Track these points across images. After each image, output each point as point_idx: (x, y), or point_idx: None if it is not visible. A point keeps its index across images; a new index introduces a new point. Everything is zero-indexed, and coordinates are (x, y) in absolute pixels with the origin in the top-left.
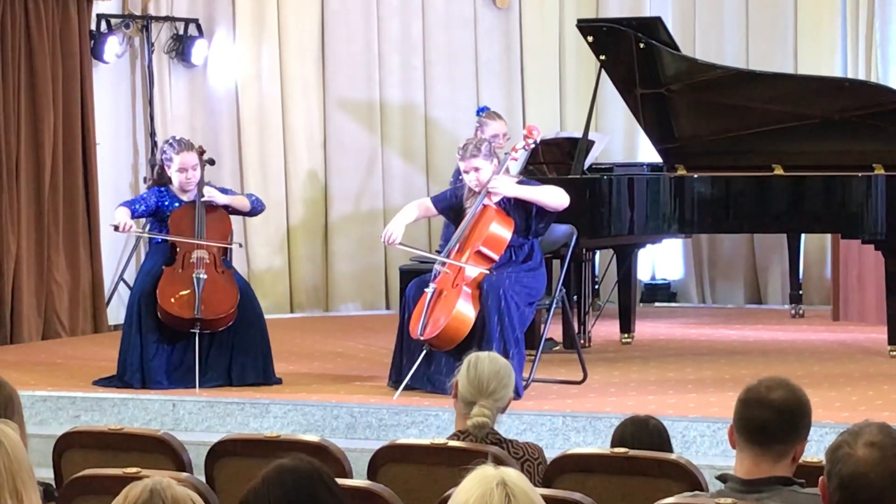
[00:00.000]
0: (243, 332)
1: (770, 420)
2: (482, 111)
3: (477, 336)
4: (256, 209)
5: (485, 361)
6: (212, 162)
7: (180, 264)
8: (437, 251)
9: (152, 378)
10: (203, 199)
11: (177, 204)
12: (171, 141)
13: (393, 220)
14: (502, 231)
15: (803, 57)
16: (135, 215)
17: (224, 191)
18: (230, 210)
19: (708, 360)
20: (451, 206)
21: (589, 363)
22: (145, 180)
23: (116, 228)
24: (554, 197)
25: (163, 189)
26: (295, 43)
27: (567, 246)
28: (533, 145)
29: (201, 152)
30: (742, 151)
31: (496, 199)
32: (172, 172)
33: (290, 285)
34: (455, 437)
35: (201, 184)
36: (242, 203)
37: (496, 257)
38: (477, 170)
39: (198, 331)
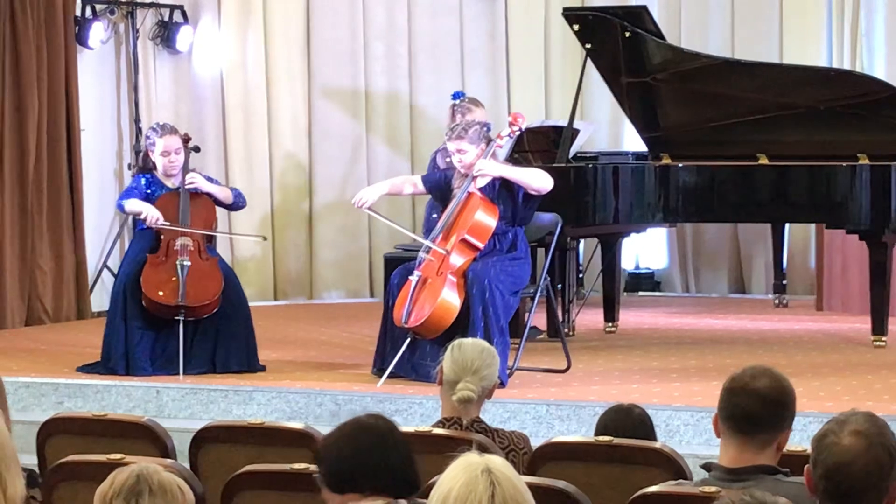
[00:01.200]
0: (227, 319)
1: (754, 408)
2: (459, 96)
3: (461, 324)
4: (238, 203)
5: (468, 343)
6: (197, 149)
7: (164, 252)
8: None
9: (137, 364)
10: (187, 186)
11: (162, 191)
12: (154, 126)
13: (369, 187)
14: (487, 219)
15: (788, 46)
16: None
17: (209, 179)
18: (213, 199)
19: (692, 350)
20: (439, 187)
21: (573, 352)
22: (129, 167)
23: (144, 221)
24: (538, 179)
25: (148, 176)
26: (280, 30)
27: (552, 234)
28: (518, 132)
29: (186, 139)
30: (727, 141)
31: (482, 183)
32: (156, 156)
33: (275, 273)
34: (441, 424)
35: (185, 170)
36: (225, 194)
37: (481, 246)
38: (462, 152)
39: (182, 318)
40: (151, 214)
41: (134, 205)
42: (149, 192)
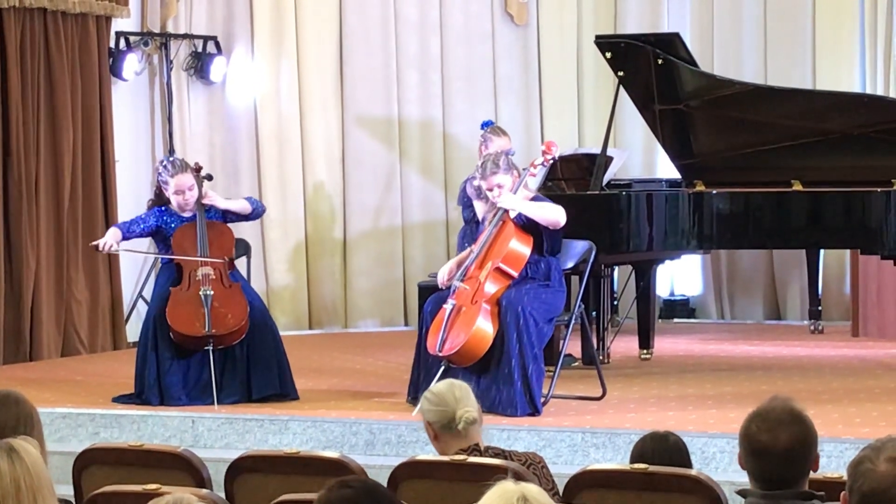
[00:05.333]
0: (256, 344)
1: (783, 472)
2: (487, 125)
3: (496, 353)
4: (257, 210)
5: (437, 386)
6: (209, 177)
7: (186, 283)
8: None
9: (170, 394)
10: (203, 201)
11: (179, 222)
12: (165, 163)
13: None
14: (521, 248)
15: (822, 73)
16: (130, 236)
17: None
18: (231, 215)
19: (727, 376)
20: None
21: (608, 379)
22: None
23: (97, 248)
24: (551, 214)
25: (163, 208)
26: (313, 60)
27: (586, 262)
28: (552, 161)
29: (198, 169)
30: (761, 167)
31: (514, 213)
32: (170, 195)
33: (309, 302)
34: (459, 454)
35: (200, 201)
36: (242, 206)
37: (515, 274)
38: (500, 186)
39: (211, 347)
40: (104, 244)
41: (108, 233)
42: (161, 224)
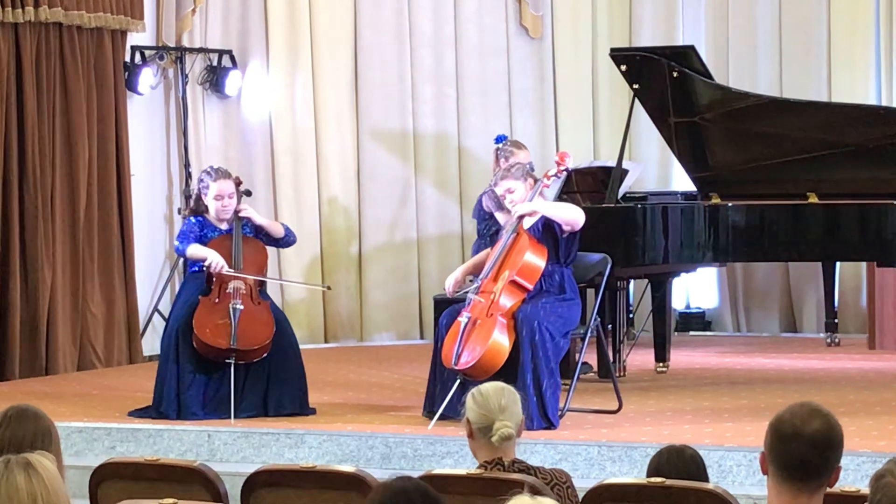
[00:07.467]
0: (279, 362)
1: (811, 456)
2: (501, 140)
3: (511, 366)
4: (288, 238)
5: (487, 387)
6: (248, 193)
7: (217, 294)
8: (470, 280)
9: (188, 409)
10: (241, 215)
11: (214, 234)
12: (208, 169)
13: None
14: (536, 260)
15: (837, 85)
16: None
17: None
18: (263, 235)
19: (744, 389)
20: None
21: (624, 392)
22: (179, 211)
23: (209, 268)
24: (569, 213)
25: (200, 218)
26: (328, 73)
27: (601, 275)
28: (565, 172)
29: (238, 182)
30: (776, 180)
31: (528, 224)
32: (209, 200)
33: (325, 315)
34: (483, 467)
35: (237, 213)
36: (277, 229)
37: (530, 287)
38: (511, 191)
39: (233, 361)
40: (216, 261)
41: (197, 250)
42: (201, 234)
